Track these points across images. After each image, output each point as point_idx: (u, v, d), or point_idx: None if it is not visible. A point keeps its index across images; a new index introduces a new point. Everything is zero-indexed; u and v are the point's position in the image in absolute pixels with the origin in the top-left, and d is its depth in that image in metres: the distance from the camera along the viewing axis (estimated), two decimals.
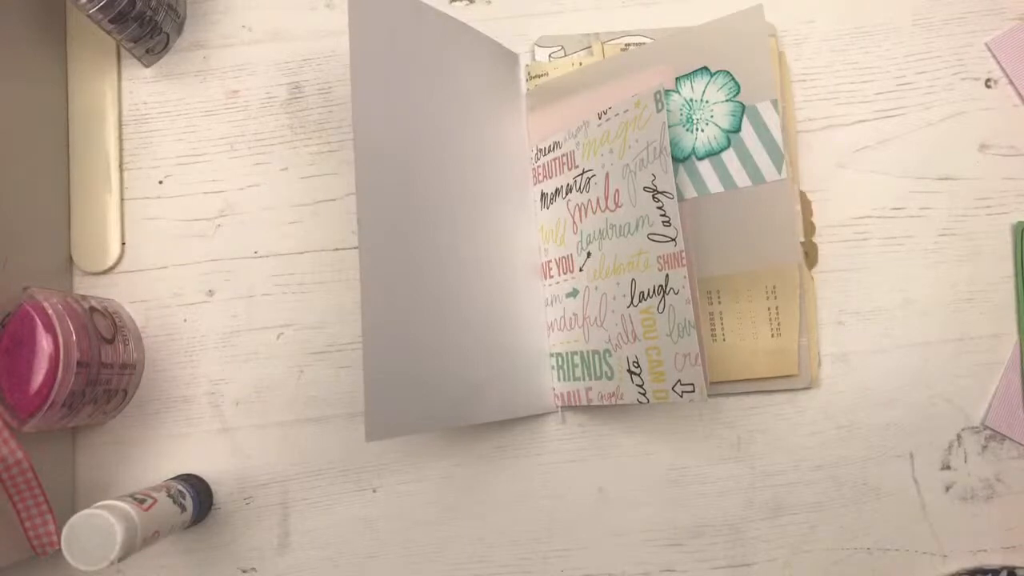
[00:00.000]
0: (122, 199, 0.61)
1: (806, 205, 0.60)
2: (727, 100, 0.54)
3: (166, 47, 0.62)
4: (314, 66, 0.62)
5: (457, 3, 0.63)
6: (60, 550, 0.47)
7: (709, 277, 0.57)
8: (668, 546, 0.58)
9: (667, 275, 0.50)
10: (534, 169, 0.61)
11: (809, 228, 0.60)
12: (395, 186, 0.51)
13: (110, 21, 0.56)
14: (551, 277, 0.59)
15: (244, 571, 0.58)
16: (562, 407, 0.59)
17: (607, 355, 0.54)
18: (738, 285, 0.58)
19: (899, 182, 0.60)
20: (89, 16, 0.55)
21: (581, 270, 0.56)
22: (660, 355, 0.50)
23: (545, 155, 0.60)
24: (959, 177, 0.60)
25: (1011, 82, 0.61)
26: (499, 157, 0.59)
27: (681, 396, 0.49)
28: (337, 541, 0.59)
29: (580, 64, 0.60)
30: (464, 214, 0.55)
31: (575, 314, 0.57)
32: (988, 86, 0.61)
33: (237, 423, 0.59)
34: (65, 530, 0.47)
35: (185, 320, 0.60)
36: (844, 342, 0.59)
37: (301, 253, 0.61)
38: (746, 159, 0.54)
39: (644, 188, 0.52)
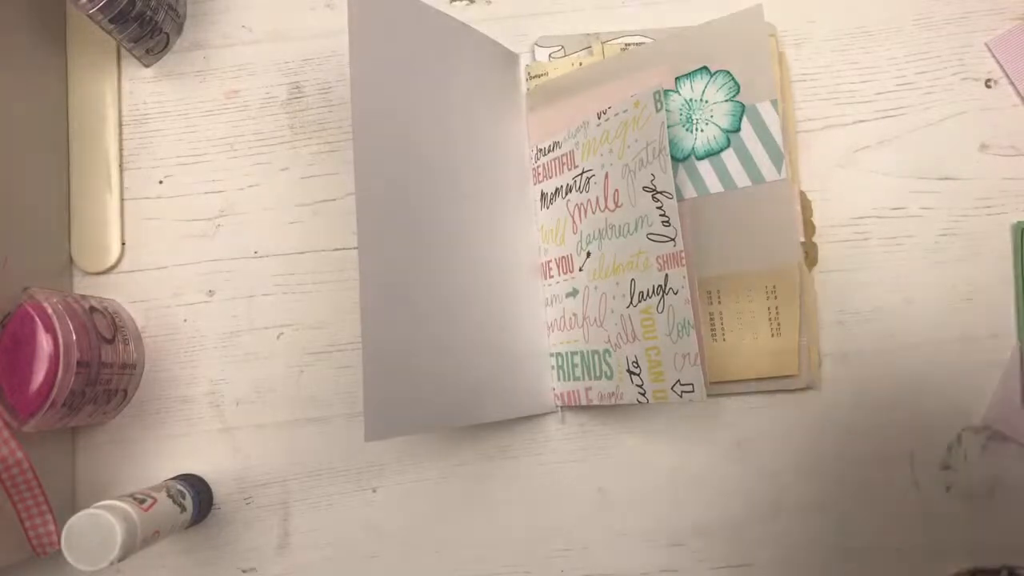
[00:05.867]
0: (122, 199, 0.61)
1: (806, 205, 0.60)
2: (727, 100, 0.54)
3: (166, 47, 0.62)
4: (314, 66, 0.62)
5: (457, 3, 0.63)
6: (60, 550, 0.47)
7: (709, 277, 0.57)
8: (668, 546, 0.58)
9: (666, 275, 0.50)
10: (534, 169, 0.61)
11: (809, 228, 0.60)
12: (395, 186, 0.51)
13: (110, 21, 0.56)
14: (551, 277, 0.59)
15: (244, 571, 0.59)
16: (562, 407, 0.59)
17: (607, 355, 0.54)
18: (738, 285, 0.58)
19: (899, 182, 0.60)
20: (89, 16, 0.55)
21: (581, 270, 0.56)
22: (659, 355, 0.50)
23: (545, 155, 0.60)
24: (959, 177, 0.60)
25: (1011, 82, 0.60)
26: (499, 157, 0.59)
27: (681, 396, 0.49)
28: (337, 541, 0.59)
29: (580, 64, 0.60)
30: (464, 214, 0.55)
31: (575, 314, 0.57)
32: (988, 86, 0.61)
33: (237, 423, 0.60)
34: (65, 530, 0.47)
35: (185, 320, 0.60)
36: (844, 342, 0.59)
37: (301, 253, 0.61)
38: (746, 159, 0.54)
39: (643, 188, 0.52)
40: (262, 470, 0.59)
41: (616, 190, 0.54)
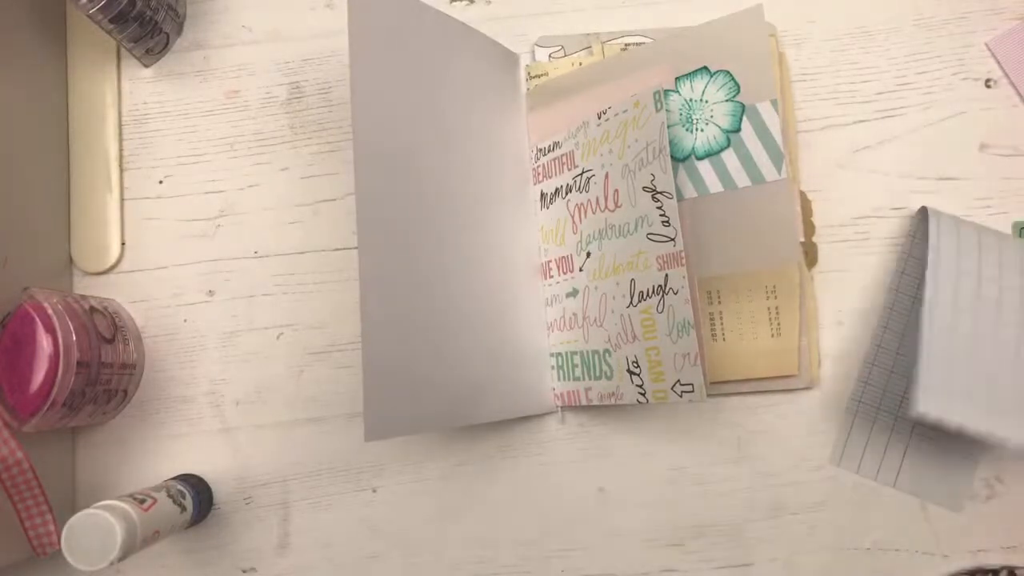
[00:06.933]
0: (122, 199, 0.61)
1: (806, 205, 0.60)
2: (727, 100, 0.54)
3: (166, 47, 0.63)
4: (314, 66, 0.63)
5: (457, 3, 0.63)
6: (60, 550, 0.47)
7: (709, 277, 0.57)
8: (668, 546, 0.58)
9: (666, 275, 0.50)
10: (534, 169, 0.61)
11: (809, 228, 0.60)
12: (395, 186, 0.51)
13: (110, 21, 0.56)
14: (551, 277, 0.59)
15: (244, 571, 0.59)
16: (562, 407, 0.59)
17: (607, 355, 0.54)
18: (738, 285, 0.58)
19: (899, 182, 0.60)
20: (89, 16, 0.55)
21: (581, 270, 0.56)
22: (659, 355, 0.50)
23: (545, 155, 0.60)
24: (959, 177, 0.60)
25: (1011, 82, 0.60)
26: (499, 157, 0.59)
27: (680, 396, 0.49)
28: (337, 541, 0.59)
29: (580, 64, 0.60)
30: (464, 214, 0.55)
31: (575, 314, 0.57)
32: (988, 86, 0.61)
33: (237, 423, 0.60)
34: (65, 530, 0.47)
35: (185, 320, 0.60)
36: (844, 342, 0.59)
37: (301, 253, 0.61)
38: (746, 159, 0.54)
39: (643, 188, 0.52)
40: (262, 470, 0.59)
41: (616, 190, 0.54)
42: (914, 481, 0.57)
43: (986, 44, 0.61)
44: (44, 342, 0.50)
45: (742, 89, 0.54)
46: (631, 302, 0.52)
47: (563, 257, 0.58)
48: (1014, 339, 0.52)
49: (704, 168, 0.55)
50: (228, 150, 0.62)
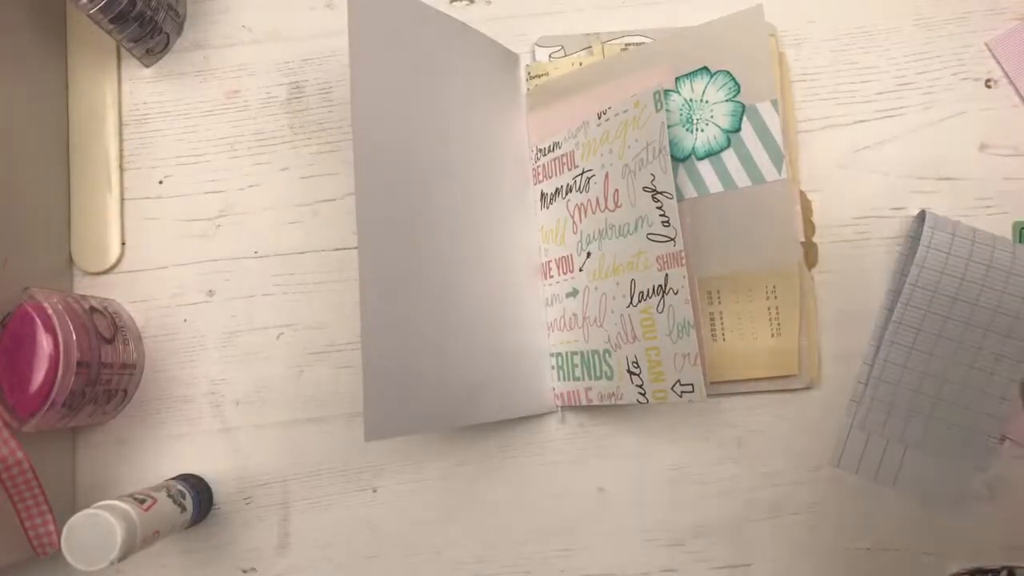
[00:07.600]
0: (122, 199, 0.61)
1: (806, 205, 0.60)
2: (727, 100, 0.54)
3: (166, 47, 0.63)
4: (314, 66, 0.63)
5: (457, 3, 0.63)
6: (60, 550, 0.47)
7: (709, 277, 0.57)
8: (668, 546, 0.58)
9: (666, 275, 0.50)
10: (534, 169, 0.61)
11: (809, 228, 0.60)
12: (395, 186, 0.51)
13: (110, 21, 0.56)
14: (551, 277, 0.59)
15: (244, 571, 0.59)
16: (562, 407, 0.59)
17: (607, 355, 0.54)
18: (738, 285, 0.58)
19: (899, 182, 0.60)
20: (89, 16, 0.55)
21: (581, 270, 0.56)
22: (659, 355, 0.50)
23: (545, 155, 0.60)
24: (959, 177, 0.60)
25: (1011, 82, 0.60)
26: (499, 157, 0.59)
27: (680, 396, 0.49)
28: (337, 541, 0.59)
29: (580, 64, 0.60)
30: (464, 214, 0.55)
31: (575, 314, 0.57)
32: (988, 86, 0.61)
33: (237, 423, 0.60)
34: (65, 530, 0.47)
35: (185, 320, 0.60)
36: (844, 342, 0.59)
37: (301, 253, 0.61)
38: (746, 159, 0.54)
39: (643, 188, 0.52)
40: (262, 470, 0.59)
41: (616, 190, 0.54)
42: (914, 481, 0.57)
43: (986, 44, 0.61)
44: (44, 342, 0.50)
45: (742, 89, 0.54)
46: (631, 302, 0.52)
47: (563, 257, 0.58)
48: (967, 363, 0.55)
49: (704, 168, 0.55)
50: (228, 150, 0.62)
